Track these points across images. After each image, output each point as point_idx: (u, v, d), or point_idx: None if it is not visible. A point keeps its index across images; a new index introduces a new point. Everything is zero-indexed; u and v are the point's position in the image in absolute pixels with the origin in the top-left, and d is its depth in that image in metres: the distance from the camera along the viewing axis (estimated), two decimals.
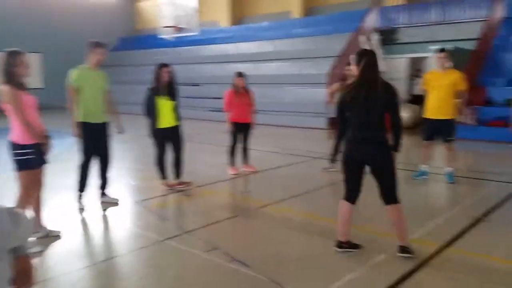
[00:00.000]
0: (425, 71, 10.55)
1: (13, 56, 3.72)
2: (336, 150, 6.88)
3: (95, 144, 5.04)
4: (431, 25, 13.33)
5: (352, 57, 3.56)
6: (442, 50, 6.01)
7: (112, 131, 5.25)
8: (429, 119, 6.12)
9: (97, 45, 4.95)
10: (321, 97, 12.58)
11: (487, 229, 4.36)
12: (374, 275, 3.35)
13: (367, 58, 3.48)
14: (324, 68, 13.43)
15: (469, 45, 11.68)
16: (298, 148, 9.29)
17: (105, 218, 4.93)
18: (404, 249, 3.58)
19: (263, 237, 4.22)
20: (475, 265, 3.53)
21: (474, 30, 12.00)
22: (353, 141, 3.57)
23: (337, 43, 14.08)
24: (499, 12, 12.49)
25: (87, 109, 4.92)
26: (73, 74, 4.90)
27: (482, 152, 9.06)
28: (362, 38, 13.52)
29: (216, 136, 10.61)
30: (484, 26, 11.80)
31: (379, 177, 3.57)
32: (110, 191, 5.43)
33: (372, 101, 3.43)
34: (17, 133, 3.79)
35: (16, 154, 3.79)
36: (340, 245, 3.71)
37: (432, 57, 9.08)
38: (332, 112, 11.99)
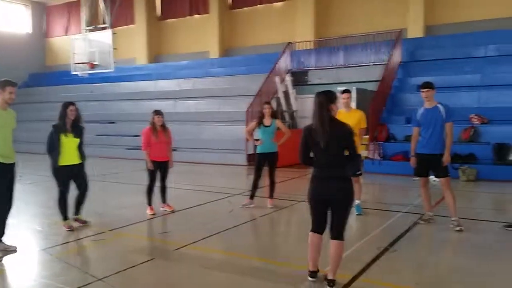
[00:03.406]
0: None
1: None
2: (255, 186, 7.02)
3: (8, 184, 4.80)
4: (337, 68, 14.47)
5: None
6: (346, 91, 6.33)
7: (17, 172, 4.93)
8: None
9: (6, 83, 4.72)
10: (239, 134, 12.85)
11: (396, 256, 4.66)
12: None
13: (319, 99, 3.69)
14: (241, 106, 13.79)
15: (371, 86, 12.76)
16: (218, 185, 9.31)
17: (8, 268, 4.49)
18: (332, 282, 3.72)
19: (182, 280, 4.12)
20: None
21: (376, 73, 13.19)
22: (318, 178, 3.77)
23: (253, 83, 14.60)
24: (397, 57, 13.90)
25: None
26: None
27: (387, 184, 9.78)
28: (276, 79, 14.19)
29: (133, 175, 10.29)
30: (385, 69, 13.03)
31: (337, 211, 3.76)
32: (7, 238, 4.97)
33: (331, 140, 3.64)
34: None
35: None
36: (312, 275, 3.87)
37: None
38: (250, 149, 12.41)
